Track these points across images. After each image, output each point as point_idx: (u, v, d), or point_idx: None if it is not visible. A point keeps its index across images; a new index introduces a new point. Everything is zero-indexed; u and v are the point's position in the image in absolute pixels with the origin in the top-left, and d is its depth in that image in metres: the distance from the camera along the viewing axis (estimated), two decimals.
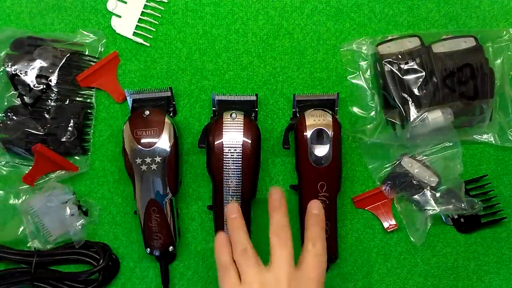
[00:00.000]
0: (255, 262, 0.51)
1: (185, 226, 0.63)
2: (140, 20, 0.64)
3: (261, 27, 0.64)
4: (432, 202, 0.62)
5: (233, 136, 0.57)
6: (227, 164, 0.57)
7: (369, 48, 0.63)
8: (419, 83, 0.59)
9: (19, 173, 0.61)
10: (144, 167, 0.58)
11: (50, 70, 0.62)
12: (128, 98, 0.62)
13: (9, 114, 0.61)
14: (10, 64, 0.61)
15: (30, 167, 0.61)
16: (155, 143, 0.58)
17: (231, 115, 0.58)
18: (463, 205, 0.61)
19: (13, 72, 0.61)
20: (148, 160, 0.58)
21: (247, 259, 0.51)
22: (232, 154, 0.57)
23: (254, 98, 0.61)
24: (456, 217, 0.63)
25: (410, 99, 0.59)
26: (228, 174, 0.58)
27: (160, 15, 0.64)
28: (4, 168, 0.62)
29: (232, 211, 0.54)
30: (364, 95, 0.63)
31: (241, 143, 0.57)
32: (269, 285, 0.49)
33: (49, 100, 0.62)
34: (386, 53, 0.61)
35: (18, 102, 0.62)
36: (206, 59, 0.64)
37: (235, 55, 0.64)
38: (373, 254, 0.63)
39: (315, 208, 0.55)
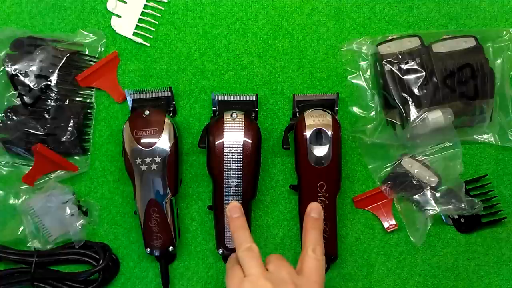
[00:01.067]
0: (259, 258, 0.51)
1: (185, 226, 0.63)
2: (140, 20, 0.64)
3: (261, 27, 0.64)
4: (432, 202, 0.62)
5: (233, 136, 0.57)
6: (228, 164, 0.57)
7: (369, 48, 0.63)
8: (419, 83, 0.59)
9: (19, 173, 0.61)
10: (144, 167, 0.58)
11: (50, 70, 0.62)
12: (128, 98, 0.62)
13: (9, 114, 0.61)
14: (10, 64, 0.61)
15: (30, 167, 0.61)
16: (155, 143, 0.58)
17: (231, 115, 0.58)
18: (463, 205, 0.61)
19: (13, 72, 0.61)
20: (148, 160, 0.58)
21: (251, 255, 0.51)
22: (233, 154, 0.57)
23: (254, 98, 0.61)
24: (456, 217, 0.63)
25: (410, 99, 0.59)
26: (229, 174, 0.58)
27: (160, 15, 0.64)
28: (4, 168, 0.62)
29: (235, 211, 0.55)
30: (364, 95, 0.63)
31: (242, 143, 0.57)
32: (273, 279, 0.49)
33: (49, 100, 0.62)
34: (386, 53, 0.61)
35: (18, 102, 0.62)
36: (206, 59, 0.64)
37: (235, 55, 0.64)
38: (373, 254, 0.63)
39: (314, 211, 0.55)
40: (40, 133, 0.61)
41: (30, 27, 0.64)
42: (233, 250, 0.55)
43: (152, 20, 0.64)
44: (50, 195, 0.61)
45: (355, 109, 0.63)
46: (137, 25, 0.64)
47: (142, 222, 0.60)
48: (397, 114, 0.61)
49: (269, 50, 0.64)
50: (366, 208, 0.63)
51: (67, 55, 0.62)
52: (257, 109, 0.62)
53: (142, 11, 0.64)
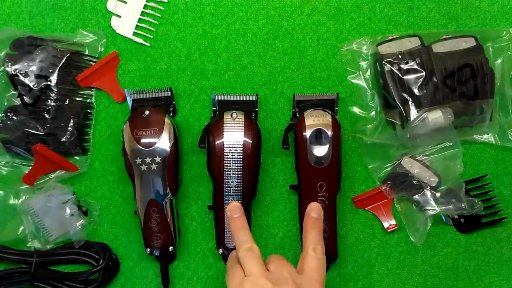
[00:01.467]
0: (260, 258, 0.51)
1: (185, 226, 0.63)
2: (140, 20, 0.64)
3: (261, 27, 0.64)
4: (432, 202, 0.62)
5: (233, 136, 0.57)
6: (228, 164, 0.57)
7: (369, 48, 0.63)
8: (419, 83, 0.59)
9: (19, 173, 0.61)
10: (144, 167, 0.58)
11: (50, 70, 0.62)
12: (128, 98, 0.62)
13: (9, 114, 0.61)
14: (10, 64, 0.61)
15: (30, 167, 0.61)
16: (155, 143, 0.58)
17: (231, 115, 0.58)
18: (463, 205, 0.61)
19: (13, 72, 0.61)
20: (148, 160, 0.58)
21: (251, 255, 0.51)
22: (233, 154, 0.57)
23: (254, 98, 0.61)
24: (456, 217, 0.63)
25: (410, 99, 0.59)
26: (229, 174, 0.58)
27: (160, 15, 0.64)
28: (4, 168, 0.62)
29: (235, 211, 0.55)
30: (364, 95, 0.63)
31: (242, 143, 0.57)
32: (274, 279, 0.49)
33: (49, 100, 0.62)
34: (386, 53, 0.61)
35: (18, 102, 0.62)
36: (206, 59, 0.64)
37: (235, 55, 0.64)
38: (373, 254, 0.63)
39: (314, 211, 0.55)
40: (40, 133, 0.61)
41: (30, 27, 0.64)
42: (233, 250, 0.55)
43: (152, 20, 0.64)
44: (50, 195, 0.61)
45: (355, 109, 0.63)
46: (137, 25, 0.64)
47: (142, 222, 0.60)
48: (397, 114, 0.61)
49: (269, 50, 0.64)
50: (366, 208, 0.63)
51: (67, 55, 0.62)
52: (257, 109, 0.62)
53: (142, 11, 0.64)
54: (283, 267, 0.51)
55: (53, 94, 0.62)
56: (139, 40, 0.64)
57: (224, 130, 0.58)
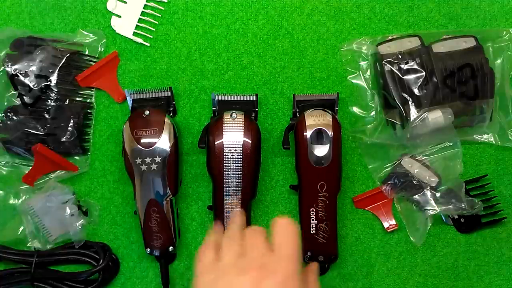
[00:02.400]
0: (238, 244, 0.47)
1: (185, 226, 0.63)
2: (140, 20, 0.64)
3: (261, 27, 0.64)
4: (432, 202, 0.62)
5: (233, 136, 0.57)
6: (228, 164, 0.57)
7: (369, 48, 0.63)
8: (419, 83, 0.59)
9: (19, 173, 0.61)
10: (144, 167, 0.58)
11: (50, 70, 0.62)
12: (128, 98, 0.62)
13: (9, 114, 0.61)
14: (10, 64, 0.61)
15: (30, 167, 0.61)
16: (155, 143, 0.58)
17: (231, 115, 0.58)
18: (463, 205, 0.61)
19: (13, 72, 0.61)
20: (148, 160, 0.58)
21: (233, 238, 0.47)
22: (233, 154, 0.57)
23: (254, 98, 0.61)
24: (456, 217, 0.63)
25: (410, 99, 0.59)
26: (229, 174, 0.58)
27: (160, 15, 0.64)
28: (4, 168, 0.62)
29: (236, 215, 0.53)
30: (364, 95, 0.63)
31: (242, 143, 0.57)
32: (240, 263, 0.45)
33: (49, 100, 0.62)
34: (386, 53, 0.61)
35: (18, 102, 0.62)
36: (206, 59, 0.64)
37: (235, 55, 0.64)
38: (373, 254, 0.63)
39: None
40: (40, 133, 0.61)
41: (30, 27, 0.64)
42: None
43: (152, 20, 0.64)
44: (50, 195, 0.61)
45: (355, 109, 0.63)
46: (137, 25, 0.64)
47: (142, 222, 0.60)
48: (397, 114, 0.61)
49: (269, 50, 0.64)
50: (366, 208, 0.63)
51: (67, 55, 0.62)
52: (257, 109, 0.62)
53: (142, 11, 0.64)
54: (255, 247, 0.46)
55: (53, 94, 0.62)
56: (139, 40, 0.64)
57: (224, 130, 0.58)
